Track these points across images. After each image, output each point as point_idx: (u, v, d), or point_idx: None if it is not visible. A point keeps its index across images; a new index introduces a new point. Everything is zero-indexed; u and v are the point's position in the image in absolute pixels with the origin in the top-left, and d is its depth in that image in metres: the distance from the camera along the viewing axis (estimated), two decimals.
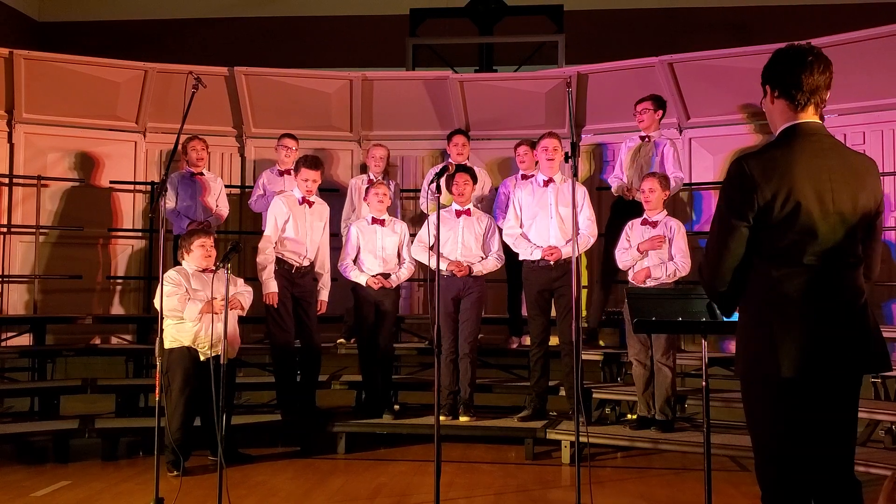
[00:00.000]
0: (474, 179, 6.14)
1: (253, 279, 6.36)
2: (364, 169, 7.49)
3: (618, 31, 11.92)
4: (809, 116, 2.57)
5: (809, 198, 2.45)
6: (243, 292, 5.49)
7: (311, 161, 6.02)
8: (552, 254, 5.72)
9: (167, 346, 5.20)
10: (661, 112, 6.52)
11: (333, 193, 7.10)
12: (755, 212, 2.47)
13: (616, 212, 6.49)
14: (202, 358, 5.18)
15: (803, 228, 2.45)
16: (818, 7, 11.26)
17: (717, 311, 3.32)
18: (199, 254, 5.35)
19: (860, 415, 2.81)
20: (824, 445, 2.54)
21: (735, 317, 2.95)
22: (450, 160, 6.73)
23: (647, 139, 6.51)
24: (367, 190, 6.30)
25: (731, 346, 6.75)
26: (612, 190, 6.64)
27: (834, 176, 2.49)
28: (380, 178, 6.85)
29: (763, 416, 2.55)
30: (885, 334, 2.61)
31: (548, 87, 7.58)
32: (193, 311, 5.18)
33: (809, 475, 2.57)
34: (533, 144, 6.54)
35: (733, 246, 2.52)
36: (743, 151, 6.94)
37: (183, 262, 5.43)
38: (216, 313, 5.09)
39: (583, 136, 7.58)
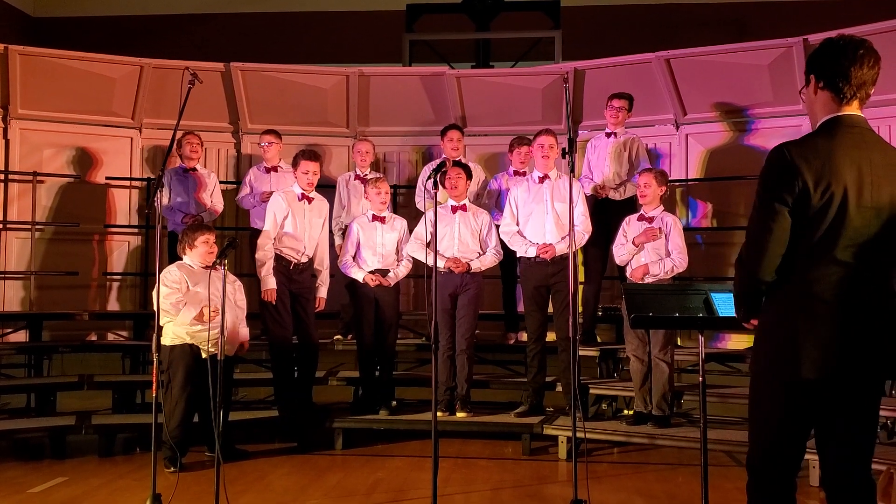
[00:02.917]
0: (468, 174, 6.13)
1: (249, 275, 6.36)
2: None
3: (614, 26, 11.92)
4: (853, 110, 2.51)
5: (849, 190, 2.39)
6: (244, 331, 5.54)
7: (310, 153, 6.02)
8: (546, 251, 5.73)
9: (169, 342, 5.20)
10: (630, 112, 6.59)
11: (330, 189, 7.09)
12: (794, 199, 2.40)
13: (591, 212, 6.47)
14: (203, 355, 5.18)
15: (837, 220, 2.39)
16: (815, 3, 11.25)
17: (719, 307, 3.32)
18: (202, 250, 5.33)
19: None
20: (840, 448, 2.51)
21: (731, 312, 2.94)
22: (444, 156, 6.72)
23: (613, 136, 6.55)
24: (366, 186, 6.27)
25: (724, 342, 6.78)
26: (586, 191, 6.61)
27: (875, 170, 2.42)
28: (367, 172, 6.83)
29: (771, 412, 2.51)
30: None
31: (544, 82, 7.58)
32: (188, 317, 5.17)
33: (825, 475, 2.56)
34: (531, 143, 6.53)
35: (778, 231, 2.43)
36: (741, 148, 7.05)
37: (184, 258, 5.42)
38: (206, 322, 5.09)
39: (579, 131, 7.58)
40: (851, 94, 2.49)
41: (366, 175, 6.75)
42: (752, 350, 2.60)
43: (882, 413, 5.10)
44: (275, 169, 6.92)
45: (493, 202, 6.69)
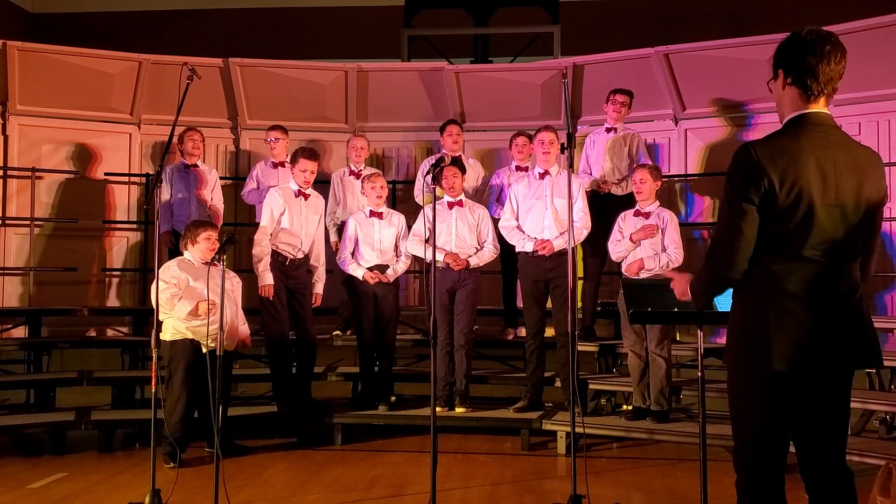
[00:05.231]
0: (463, 171, 6.13)
1: (247, 271, 6.36)
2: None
3: (613, 22, 11.91)
4: (819, 107, 2.53)
5: (814, 189, 2.42)
6: (245, 326, 5.55)
7: (310, 152, 6.03)
8: (544, 247, 5.73)
9: (170, 337, 5.21)
10: (630, 108, 6.59)
11: (327, 185, 7.09)
12: (760, 197, 2.44)
13: (592, 207, 6.48)
14: (204, 350, 5.18)
15: (805, 219, 2.43)
16: None
17: (718, 302, 3.32)
18: (204, 246, 5.33)
19: (854, 405, 2.82)
20: (814, 438, 2.56)
21: (724, 305, 2.95)
22: (444, 151, 6.72)
23: (613, 131, 6.55)
24: (362, 182, 6.28)
25: (723, 337, 6.77)
26: (586, 186, 6.60)
27: (839, 169, 2.46)
28: (361, 168, 6.82)
29: (750, 406, 2.56)
30: (878, 325, 2.62)
31: (543, 77, 7.57)
32: (182, 311, 5.17)
33: (802, 465, 2.59)
34: (530, 137, 6.54)
35: (747, 230, 2.46)
36: (740, 143, 7.04)
37: (185, 253, 5.42)
38: (200, 316, 5.09)
39: (578, 127, 7.57)
40: (819, 91, 2.51)
41: (360, 171, 6.74)
42: (725, 347, 2.63)
43: (881, 408, 5.15)
44: (282, 164, 6.91)
45: (494, 197, 6.69)
